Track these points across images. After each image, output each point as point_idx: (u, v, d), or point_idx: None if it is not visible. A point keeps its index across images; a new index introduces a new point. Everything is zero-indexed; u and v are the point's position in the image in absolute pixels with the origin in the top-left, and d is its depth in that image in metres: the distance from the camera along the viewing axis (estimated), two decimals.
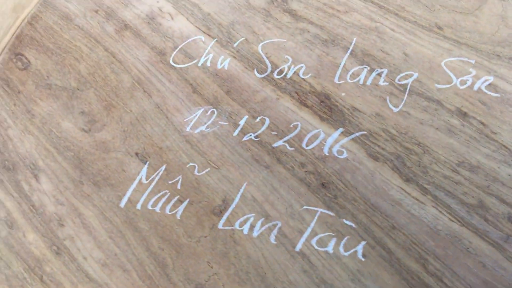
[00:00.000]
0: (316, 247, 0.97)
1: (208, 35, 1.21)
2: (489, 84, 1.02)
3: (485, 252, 0.90)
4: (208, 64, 1.18)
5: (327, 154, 1.03)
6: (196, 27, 1.22)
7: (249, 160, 1.06)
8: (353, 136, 1.04)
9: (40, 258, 1.09)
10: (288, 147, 1.06)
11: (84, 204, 1.11)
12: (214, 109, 1.13)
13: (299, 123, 1.07)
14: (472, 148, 0.98)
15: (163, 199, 1.07)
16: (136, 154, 1.12)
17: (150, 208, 1.07)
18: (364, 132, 1.04)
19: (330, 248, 0.97)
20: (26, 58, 1.29)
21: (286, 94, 1.11)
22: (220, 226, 1.03)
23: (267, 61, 1.15)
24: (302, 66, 1.13)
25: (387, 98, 1.05)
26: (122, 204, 1.09)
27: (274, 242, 0.99)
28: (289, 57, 1.14)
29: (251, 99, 1.12)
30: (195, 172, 1.08)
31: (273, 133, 1.07)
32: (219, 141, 1.09)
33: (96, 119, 1.18)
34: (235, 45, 1.18)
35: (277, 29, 1.18)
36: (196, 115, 1.13)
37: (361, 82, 1.08)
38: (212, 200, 1.05)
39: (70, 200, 1.12)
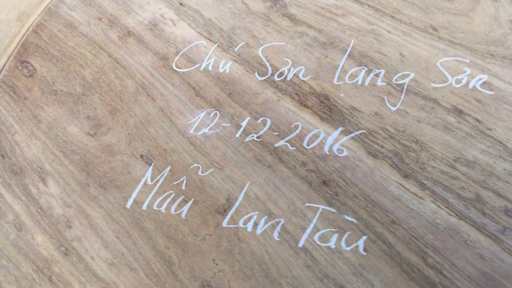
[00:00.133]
0: (318, 242, 1.00)
1: (210, 40, 1.24)
2: (484, 82, 1.05)
3: (483, 244, 0.93)
4: (210, 68, 1.21)
5: (327, 153, 1.06)
6: (198, 32, 1.26)
7: (251, 160, 1.09)
8: (352, 135, 1.07)
9: (48, 259, 1.11)
10: (290, 147, 1.09)
11: (91, 206, 1.13)
12: (217, 112, 1.16)
13: (299, 123, 1.10)
14: (468, 144, 1.01)
15: (168, 200, 1.10)
16: (141, 156, 1.15)
17: (156, 208, 1.10)
18: (363, 131, 1.07)
19: (332, 244, 0.99)
20: (31, 65, 1.32)
21: (286, 95, 1.14)
22: (224, 224, 1.05)
23: (267, 64, 1.18)
24: (301, 68, 1.16)
25: (385, 97, 1.08)
26: (128, 205, 1.11)
27: (278, 239, 1.02)
28: (289, 60, 1.17)
29: (253, 101, 1.15)
30: (199, 172, 1.11)
31: (274, 133, 1.10)
32: (222, 142, 1.12)
33: (101, 123, 1.20)
34: (236, 49, 1.22)
35: (277, 33, 1.21)
36: (199, 117, 1.16)
37: (360, 82, 1.11)
38: (216, 200, 1.08)
39: (77, 202, 1.14)
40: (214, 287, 1.01)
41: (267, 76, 1.17)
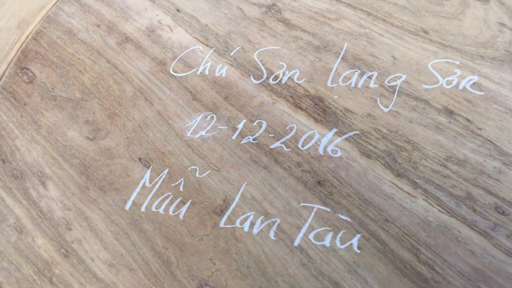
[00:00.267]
0: (313, 241, 1.02)
1: (206, 45, 1.27)
2: (474, 83, 1.08)
3: (474, 241, 0.95)
4: (207, 72, 1.23)
5: (322, 154, 1.09)
6: (194, 37, 1.28)
7: (248, 162, 1.11)
8: (346, 135, 1.09)
9: (49, 261, 1.13)
10: (285, 148, 1.11)
11: (91, 209, 1.15)
12: (213, 115, 1.18)
13: (294, 125, 1.12)
14: (459, 144, 1.03)
15: (166, 201, 1.12)
16: (140, 159, 1.17)
17: (154, 210, 1.12)
18: (357, 132, 1.09)
19: (327, 242, 1.01)
20: (31, 72, 1.34)
21: (281, 98, 1.16)
22: (221, 224, 1.07)
23: (262, 68, 1.20)
24: (296, 72, 1.18)
25: (378, 99, 1.11)
26: (127, 207, 1.13)
27: (274, 238, 1.04)
28: (283, 64, 1.20)
29: (249, 104, 1.17)
30: (197, 174, 1.13)
31: (270, 135, 1.13)
32: (218, 144, 1.15)
33: (100, 127, 1.23)
34: (232, 53, 1.24)
35: (272, 38, 1.24)
36: (196, 120, 1.18)
37: (353, 85, 1.14)
38: (214, 200, 1.10)
39: (77, 205, 1.16)
40: (212, 286, 1.03)
41: (262, 80, 1.19)
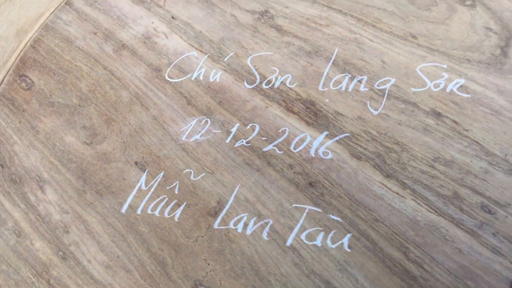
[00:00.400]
0: (305, 241, 1.04)
1: (200, 51, 1.30)
2: (461, 86, 1.11)
3: (461, 239, 0.97)
4: (201, 77, 1.26)
5: (313, 156, 1.11)
6: (189, 44, 1.31)
7: (241, 164, 1.14)
8: (337, 138, 1.12)
9: (47, 263, 1.15)
10: (277, 151, 1.13)
11: (88, 212, 1.17)
12: (208, 119, 1.20)
13: (287, 128, 1.15)
14: (446, 145, 1.06)
15: (162, 204, 1.14)
16: (136, 163, 1.20)
17: (150, 212, 1.14)
18: (347, 134, 1.12)
19: (318, 242, 1.04)
20: (29, 79, 1.37)
21: (274, 102, 1.19)
22: (215, 226, 1.10)
23: (256, 73, 1.23)
24: (288, 76, 1.21)
25: (368, 102, 1.14)
26: (124, 210, 1.16)
27: (266, 239, 1.06)
28: (276, 69, 1.23)
29: (242, 108, 1.20)
30: (191, 177, 1.15)
31: (263, 138, 1.15)
32: (213, 148, 1.17)
33: (97, 132, 1.25)
34: (225, 59, 1.27)
35: (264, 43, 1.27)
36: (191, 125, 1.21)
37: (343, 88, 1.16)
38: (208, 203, 1.12)
39: (74, 208, 1.18)
40: (206, 286, 1.05)
41: (255, 84, 1.22)
